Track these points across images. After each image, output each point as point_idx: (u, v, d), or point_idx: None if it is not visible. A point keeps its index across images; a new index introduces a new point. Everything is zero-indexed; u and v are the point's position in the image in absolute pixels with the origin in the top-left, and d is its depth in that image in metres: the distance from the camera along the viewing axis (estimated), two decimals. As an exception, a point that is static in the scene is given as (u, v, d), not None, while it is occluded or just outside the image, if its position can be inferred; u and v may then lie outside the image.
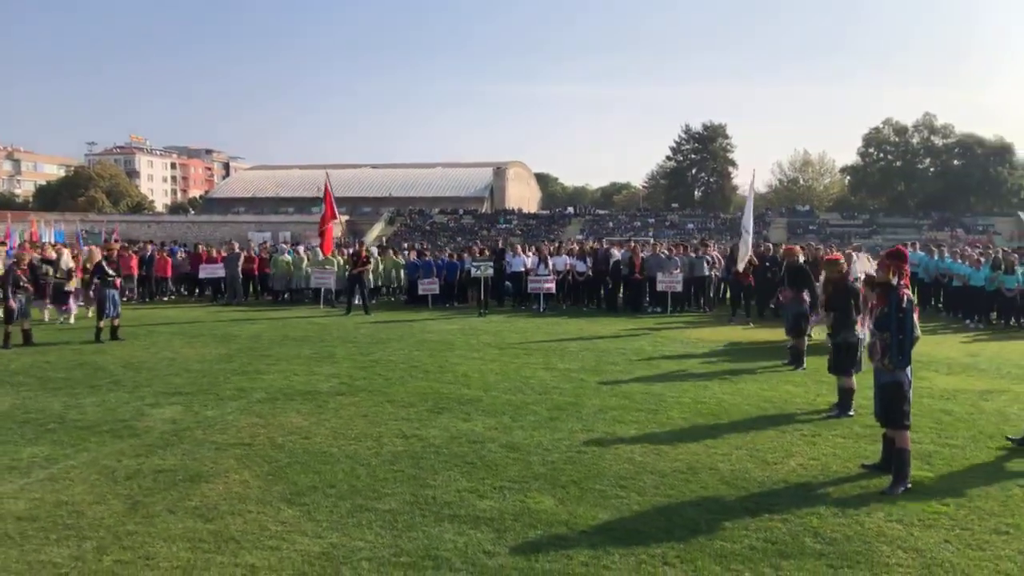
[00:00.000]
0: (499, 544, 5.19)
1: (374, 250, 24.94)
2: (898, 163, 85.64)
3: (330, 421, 8.42)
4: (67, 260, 16.99)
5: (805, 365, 11.60)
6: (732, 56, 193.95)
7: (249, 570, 4.78)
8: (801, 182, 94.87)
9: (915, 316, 6.68)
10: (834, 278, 9.07)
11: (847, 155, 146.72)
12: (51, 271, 16.69)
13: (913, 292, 19.62)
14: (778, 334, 13.76)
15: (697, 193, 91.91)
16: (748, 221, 17.13)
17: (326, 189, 19.59)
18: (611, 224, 77.95)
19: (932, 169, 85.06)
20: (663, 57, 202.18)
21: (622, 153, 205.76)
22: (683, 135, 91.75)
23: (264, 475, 6.61)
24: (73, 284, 16.88)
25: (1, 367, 11.61)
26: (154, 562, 4.89)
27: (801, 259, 13.27)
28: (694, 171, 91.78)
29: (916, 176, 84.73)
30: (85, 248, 19.87)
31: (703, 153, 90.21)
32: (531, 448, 7.42)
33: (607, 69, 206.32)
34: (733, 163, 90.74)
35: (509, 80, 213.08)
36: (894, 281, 6.60)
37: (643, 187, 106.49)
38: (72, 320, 17.04)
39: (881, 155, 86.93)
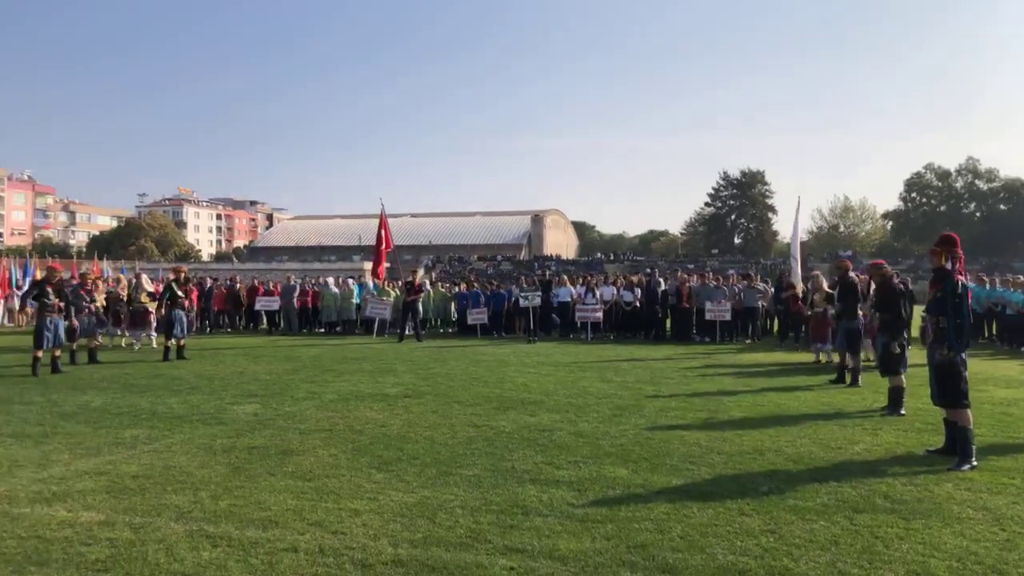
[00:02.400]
0: (581, 499, 5.50)
1: (427, 281, 25.53)
2: (942, 207, 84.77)
3: (402, 415, 8.82)
4: (146, 283, 17.77)
5: (860, 384, 11.36)
6: (768, 104, 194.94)
7: (353, 512, 5.15)
8: (842, 228, 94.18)
9: (968, 301, 6.86)
10: (879, 281, 9.31)
11: (888, 201, 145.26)
12: (126, 297, 17.53)
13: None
14: (833, 357, 13.89)
15: (737, 239, 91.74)
16: (795, 248, 17.33)
17: (381, 216, 20.26)
18: (649, 270, 78.05)
19: (977, 214, 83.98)
20: (698, 105, 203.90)
21: (659, 203, 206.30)
22: (721, 181, 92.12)
23: (350, 451, 7.01)
24: (151, 305, 17.54)
25: (84, 377, 12.27)
26: (265, 506, 5.29)
27: (852, 275, 13.37)
28: (733, 217, 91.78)
29: (961, 221, 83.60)
30: (131, 276, 20.68)
31: (742, 199, 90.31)
32: (599, 435, 7.72)
33: (642, 120, 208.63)
34: (772, 209, 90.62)
35: (545, 133, 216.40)
36: (948, 266, 6.81)
37: (681, 234, 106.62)
38: (154, 344, 17.65)
39: (924, 200, 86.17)
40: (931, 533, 4.78)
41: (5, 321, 25.99)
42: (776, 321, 20.67)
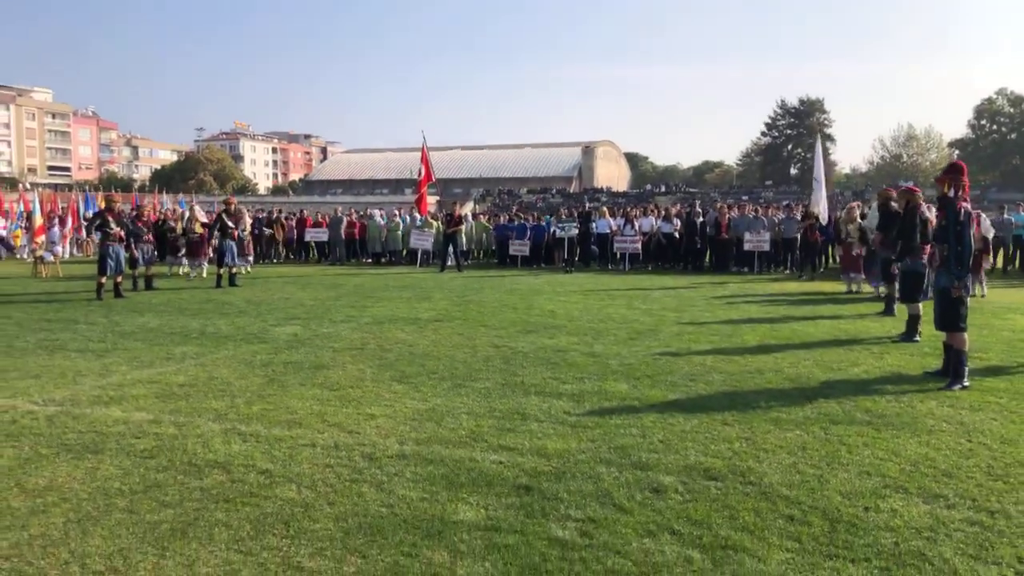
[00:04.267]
0: (577, 409, 5.98)
1: (468, 213, 25.99)
2: (1013, 135, 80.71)
3: (430, 336, 9.40)
4: (199, 214, 18.63)
5: (895, 313, 11.41)
6: (831, 29, 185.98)
7: (369, 416, 5.74)
8: (905, 158, 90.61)
9: (972, 229, 6.98)
10: (905, 206, 9.35)
11: (955, 128, 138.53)
12: (179, 228, 18.45)
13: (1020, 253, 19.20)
14: (863, 287, 13.97)
15: (793, 170, 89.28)
16: (819, 171, 17.29)
17: (423, 151, 20.65)
18: (701, 202, 76.92)
19: (1052, 141, 79.79)
20: (756, 32, 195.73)
21: (715, 132, 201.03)
22: (778, 110, 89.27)
23: (376, 366, 7.61)
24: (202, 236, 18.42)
25: (143, 301, 13.19)
26: (292, 410, 5.92)
27: (894, 204, 13.24)
28: (790, 147, 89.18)
29: (1034, 148, 79.74)
30: (187, 208, 21.54)
31: (799, 128, 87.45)
32: (610, 356, 8.16)
33: (698, 47, 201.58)
34: (831, 138, 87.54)
35: (598, 61, 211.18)
36: (951, 194, 6.91)
37: (736, 165, 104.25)
38: (204, 274, 18.62)
39: (994, 127, 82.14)
40: (898, 442, 5.13)
41: (75, 251, 27.47)
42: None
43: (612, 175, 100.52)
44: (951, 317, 6.91)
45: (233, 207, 16.64)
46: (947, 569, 3.35)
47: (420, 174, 21.09)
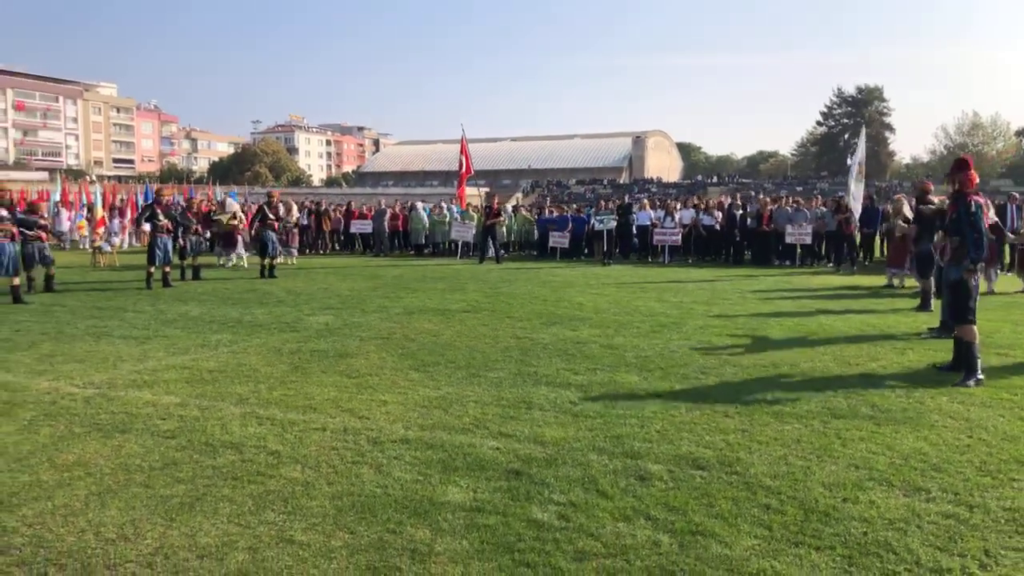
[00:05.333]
0: (583, 399, 6.14)
1: (508, 206, 26.19)
2: (1086, 123, 77.24)
3: (455, 327, 9.64)
4: (230, 206, 19.29)
5: (932, 308, 11.29)
6: (893, 14, 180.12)
7: (381, 403, 6.00)
8: (969, 147, 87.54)
9: (984, 218, 6.96)
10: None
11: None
12: (224, 220, 19.11)
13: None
14: (907, 282, 13.73)
15: (849, 160, 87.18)
16: (856, 161, 17.09)
17: (462, 143, 20.92)
18: (755, 193, 75.73)
19: None
20: (815, 18, 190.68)
21: (770, 121, 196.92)
22: (835, 99, 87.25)
23: (398, 355, 7.88)
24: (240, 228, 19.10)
25: (189, 290, 13.76)
26: (310, 396, 6.22)
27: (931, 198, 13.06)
28: (846, 136, 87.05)
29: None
30: (228, 201, 22.19)
31: (856, 117, 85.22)
32: (628, 348, 8.27)
33: (754, 34, 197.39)
34: (890, 127, 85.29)
35: (652, 50, 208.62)
36: (958, 188, 6.97)
37: (791, 155, 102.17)
38: (245, 264, 19.31)
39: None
40: (895, 437, 5.16)
41: (134, 241, 28.56)
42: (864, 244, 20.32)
43: (663, 165, 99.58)
44: (961, 309, 6.88)
45: (275, 200, 17.15)
46: (910, 559, 3.43)
47: (461, 166, 21.35)
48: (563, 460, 4.70)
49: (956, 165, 7.13)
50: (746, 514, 3.91)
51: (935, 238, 9.31)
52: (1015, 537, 3.66)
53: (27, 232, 12.68)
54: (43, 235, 13.40)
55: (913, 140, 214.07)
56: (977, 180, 7.04)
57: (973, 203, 6.80)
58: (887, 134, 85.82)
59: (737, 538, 3.63)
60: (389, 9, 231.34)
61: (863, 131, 19.06)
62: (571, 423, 5.46)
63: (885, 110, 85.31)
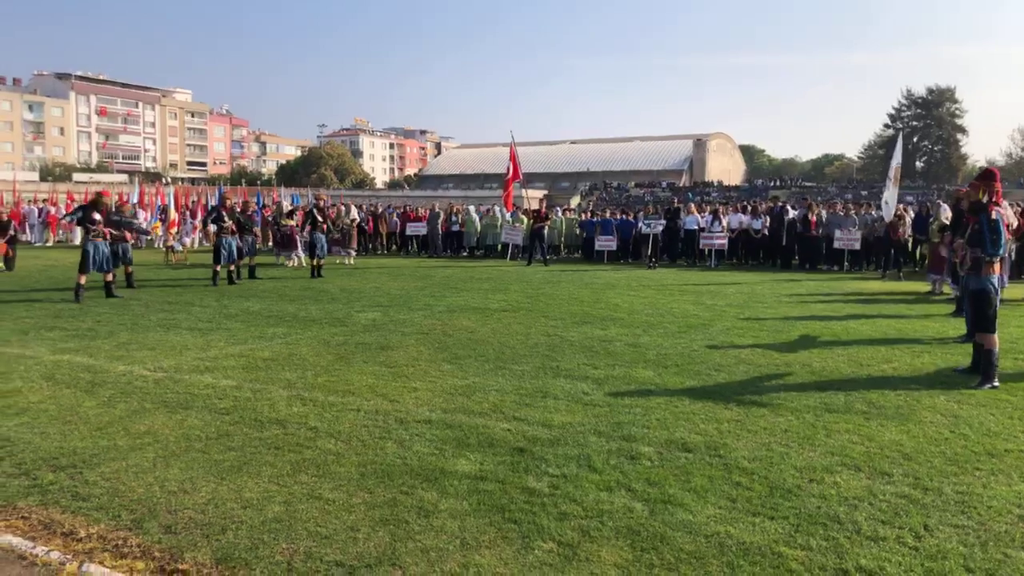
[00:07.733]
0: (597, 390, 6.68)
1: (558, 209, 26.73)
2: None
3: (492, 325, 10.26)
4: (287, 208, 20.37)
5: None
6: (965, 9, 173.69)
7: (412, 390, 6.66)
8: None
9: (1003, 227, 7.18)
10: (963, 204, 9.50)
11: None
12: (287, 221, 20.20)
13: None
14: (944, 288, 13.76)
15: (919, 163, 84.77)
16: (892, 168, 17.07)
17: (511, 149, 21.56)
18: (819, 197, 74.33)
19: None
20: (883, 17, 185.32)
21: (837, 124, 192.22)
22: (904, 100, 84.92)
23: (434, 349, 8.55)
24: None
25: (252, 288, 14.75)
26: (350, 382, 6.93)
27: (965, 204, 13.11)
28: (915, 139, 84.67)
29: None
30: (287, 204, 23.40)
31: (926, 120, 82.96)
32: (651, 347, 8.75)
33: (819, 33, 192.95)
34: (963, 129, 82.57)
35: (714, 50, 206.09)
36: (984, 199, 7.16)
37: (858, 158, 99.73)
38: (304, 263, 20.33)
39: None
40: (880, 430, 5.54)
41: (204, 241, 30.14)
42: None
43: (725, 168, 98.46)
44: (982, 319, 7.14)
45: (323, 202, 18.13)
46: (852, 529, 3.88)
47: (508, 171, 22.00)
48: (565, 441, 5.26)
49: (984, 175, 7.38)
50: (717, 489, 4.40)
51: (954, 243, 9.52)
52: (958, 516, 4.06)
53: (115, 232, 13.81)
54: (128, 235, 14.57)
55: (989, 142, 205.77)
56: (1001, 190, 7.31)
57: (994, 212, 7.06)
58: (959, 136, 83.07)
59: (703, 508, 4.14)
60: (459, 12, 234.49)
61: (900, 136, 18.96)
62: (579, 410, 6.01)
63: (957, 111, 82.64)
